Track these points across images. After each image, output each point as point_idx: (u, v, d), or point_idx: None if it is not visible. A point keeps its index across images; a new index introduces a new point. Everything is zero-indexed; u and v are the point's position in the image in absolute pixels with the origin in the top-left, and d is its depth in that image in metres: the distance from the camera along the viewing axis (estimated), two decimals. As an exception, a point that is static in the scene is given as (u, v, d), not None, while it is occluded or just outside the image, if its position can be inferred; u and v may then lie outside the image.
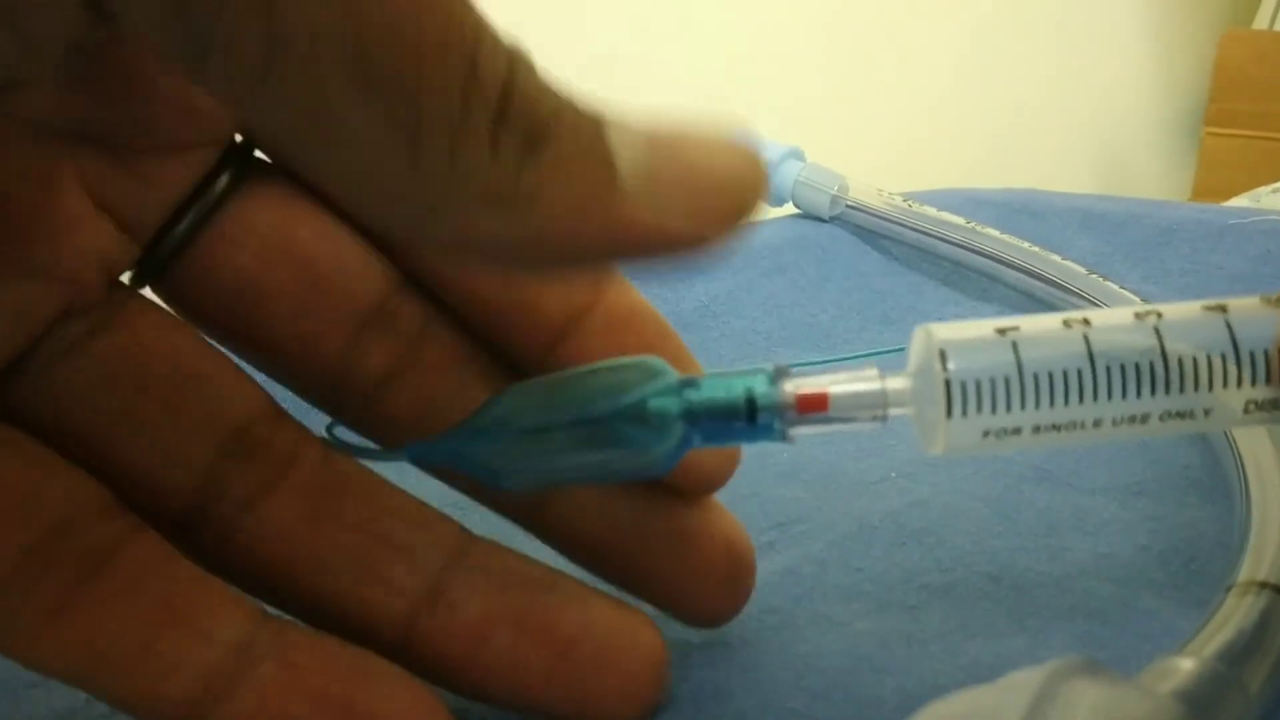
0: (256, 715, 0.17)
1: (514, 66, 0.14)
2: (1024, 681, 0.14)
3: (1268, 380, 0.18)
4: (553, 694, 0.19)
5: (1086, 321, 0.18)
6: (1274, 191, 0.84)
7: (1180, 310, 0.18)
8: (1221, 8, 1.77)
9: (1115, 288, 0.36)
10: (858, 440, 0.20)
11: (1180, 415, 0.18)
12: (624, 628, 0.20)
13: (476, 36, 0.14)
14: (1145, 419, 0.18)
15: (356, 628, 0.19)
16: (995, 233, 0.41)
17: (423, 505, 0.20)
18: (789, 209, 0.48)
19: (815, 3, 1.39)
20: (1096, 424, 0.18)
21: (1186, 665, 0.16)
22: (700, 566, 0.21)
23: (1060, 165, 1.54)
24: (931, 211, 0.44)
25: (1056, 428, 0.17)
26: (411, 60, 0.13)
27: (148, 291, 0.19)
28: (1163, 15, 1.76)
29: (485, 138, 0.14)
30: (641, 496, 0.20)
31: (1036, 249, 0.39)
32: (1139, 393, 0.18)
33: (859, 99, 1.41)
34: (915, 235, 0.44)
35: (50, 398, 0.18)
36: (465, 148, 0.14)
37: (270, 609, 0.19)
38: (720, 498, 0.21)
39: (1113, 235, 0.44)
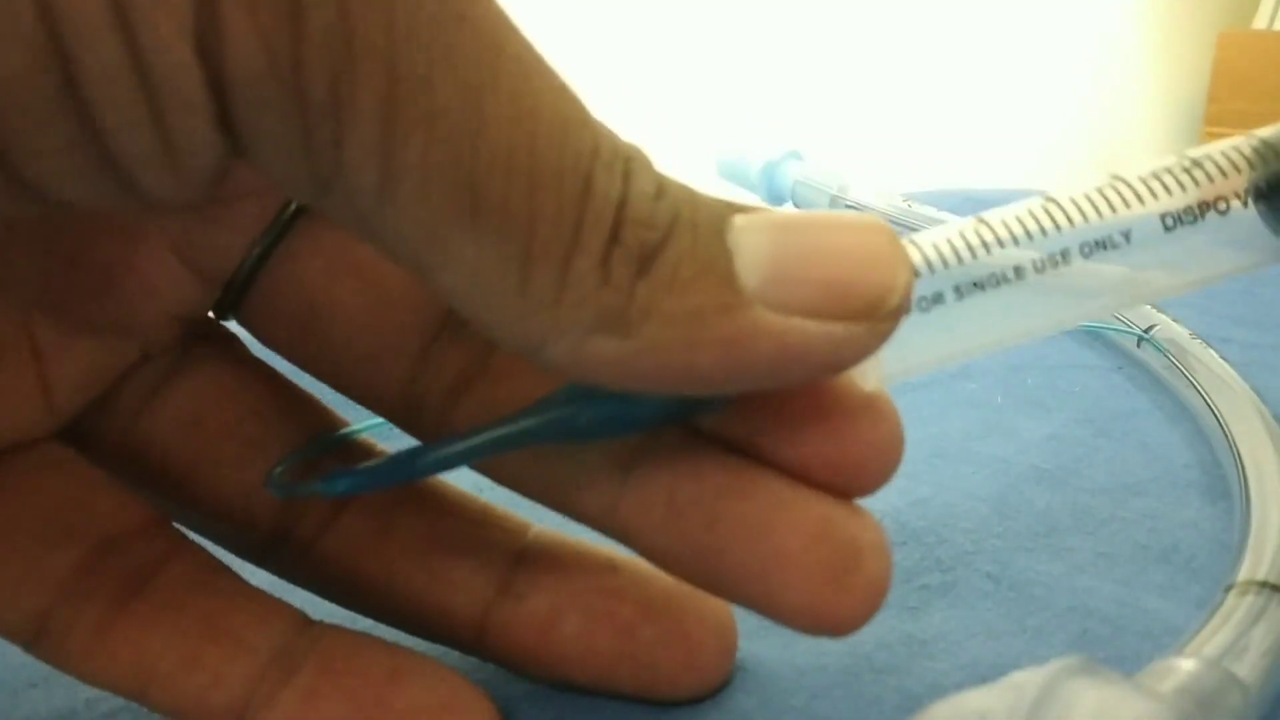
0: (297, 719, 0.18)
1: (629, 177, 0.14)
2: (1024, 681, 0.14)
3: (1168, 192, 0.18)
4: (623, 674, 0.19)
5: (981, 220, 0.18)
6: (1274, 191, 0.84)
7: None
8: (1220, 8, 1.77)
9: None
10: (858, 440, 0.20)
11: (1101, 245, 0.17)
12: (688, 603, 0.20)
13: (593, 153, 0.13)
14: (1066, 256, 0.17)
15: (433, 626, 0.20)
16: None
17: (486, 505, 0.20)
18: (788, 210, 0.48)
19: (816, 3, 1.39)
20: (1019, 273, 0.17)
21: (1186, 665, 0.16)
22: (781, 558, 0.17)
23: (1060, 165, 1.54)
24: (931, 211, 0.44)
25: (979, 286, 0.17)
26: (523, 190, 0.13)
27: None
28: (1162, 15, 1.76)
29: (596, 261, 0.13)
30: (713, 481, 0.17)
31: (1036, 249, 0.39)
32: (1044, 233, 0.17)
33: (859, 99, 1.41)
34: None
35: (138, 440, 0.19)
36: (575, 273, 0.13)
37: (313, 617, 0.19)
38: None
39: (1112, 235, 0.44)
